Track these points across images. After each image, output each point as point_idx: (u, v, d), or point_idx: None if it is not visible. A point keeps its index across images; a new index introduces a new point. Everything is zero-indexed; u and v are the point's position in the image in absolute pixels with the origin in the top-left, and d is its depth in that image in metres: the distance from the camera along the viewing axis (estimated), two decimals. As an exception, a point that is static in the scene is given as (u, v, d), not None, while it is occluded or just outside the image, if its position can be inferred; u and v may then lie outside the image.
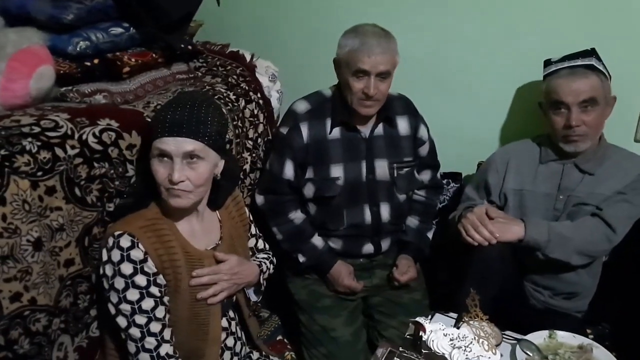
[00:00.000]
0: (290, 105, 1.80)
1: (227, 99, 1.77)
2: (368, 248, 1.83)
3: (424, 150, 1.87)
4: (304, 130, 1.72)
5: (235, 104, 1.80)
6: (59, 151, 1.21)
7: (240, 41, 2.16)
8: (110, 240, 1.21)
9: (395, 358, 1.28)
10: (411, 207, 1.91)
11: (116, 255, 1.20)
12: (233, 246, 1.46)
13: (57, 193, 1.21)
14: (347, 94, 1.68)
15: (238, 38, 2.24)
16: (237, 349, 1.46)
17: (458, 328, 1.36)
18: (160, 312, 1.23)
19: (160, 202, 1.30)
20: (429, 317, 1.49)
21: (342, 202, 1.76)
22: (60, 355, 1.27)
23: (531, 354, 1.36)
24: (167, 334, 1.24)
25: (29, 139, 1.17)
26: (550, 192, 1.68)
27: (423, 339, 1.30)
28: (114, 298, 1.21)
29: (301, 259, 1.80)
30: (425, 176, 1.92)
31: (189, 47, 1.87)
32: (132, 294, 1.20)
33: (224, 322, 1.42)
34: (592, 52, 1.65)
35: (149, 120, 1.40)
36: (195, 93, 1.46)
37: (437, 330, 1.31)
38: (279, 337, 1.87)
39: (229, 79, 1.88)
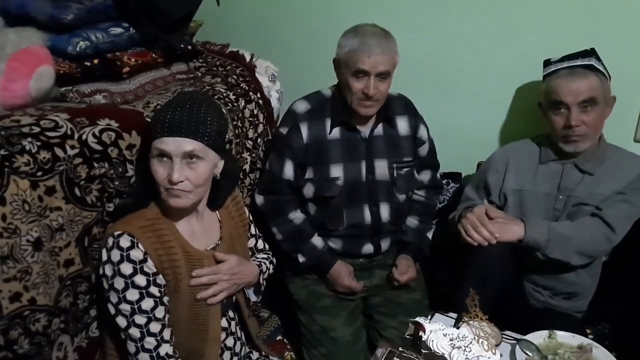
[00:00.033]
0: (290, 105, 1.80)
1: (226, 99, 1.77)
2: (368, 248, 1.83)
3: (423, 150, 1.87)
4: (304, 130, 1.72)
5: (235, 104, 1.80)
6: (58, 151, 1.21)
7: (240, 41, 2.17)
8: (110, 240, 1.21)
9: (395, 358, 1.28)
10: (411, 207, 1.91)
11: (116, 255, 1.20)
12: (233, 246, 1.46)
13: (57, 193, 1.21)
14: (347, 94, 1.68)
15: (238, 38, 2.24)
16: (237, 349, 1.47)
17: (458, 328, 1.36)
18: (159, 312, 1.23)
19: (160, 202, 1.30)
20: (429, 317, 1.49)
21: (341, 202, 1.76)
22: (60, 355, 1.27)
23: (531, 354, 1.36)
24: (166, 334, 1.24)
25: (29, 139, 1.17)
26: (550, 192, 1.68)
27: (423, 339, 1.30)
28: (113, 298, 1.21)
29: (301, 259, 1.80)
30: (425, 176, 1.92)
31: (189, 47, 1.87)
32: (132, 294, 1.20)
33: (224, 322, 1.42)
34: (591, 52, 1.65)
35: (149, 120, 1.40)
36: (195, 93, 1.46)
37: (437, 330, 1.31)
38: (279, 337, 1.87)
39: (229, 79, 1.88)
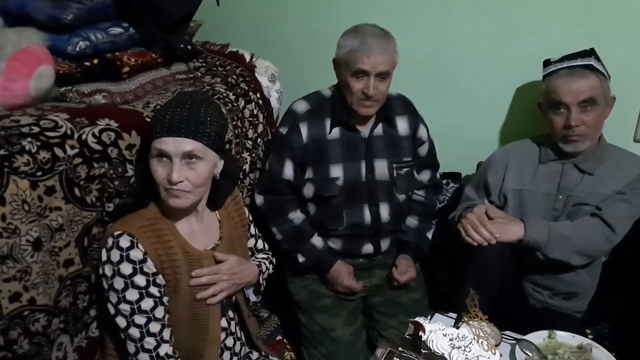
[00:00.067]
0: (290, 106, 1.80)
1: (226, 99, 1.77)
2: (367, 248, 1.83)
3: (423, 150, 1.87)
4: (304, 130, 1.72)
5: (235, 104, 1.80)
6: (58, 151, 1.21)
7: (239, 41, 2.17)
8: (110, 241, 1.21)
9: (394, 358, 1.28)
10: (411, 207, 1.91)
11: (115, 255, 1.20)
12: (232, 246, 1.46)
13: (57, 193, 1.21)
14: (347, 94, 1.68)
15: (238, 38, 2.24)
16: (237, 349, 1.47)
17: (457, 328, 1.36)
18: (159, 312, 1.23)
19: (160, 202, 1.30)
20: (429, 317, 1.49)
21: (341, 202, 1.76)
22: (60, 355, 1.27)
23: (530, 354, 1.36)
24: (166, 334, 1.24)
25: (29, 139, 1.17)
26: (549, 192, 1.68)
27: (422, 339, 1.30)
28: (113, 298, 1.21)
29: (301, 259, 1.80)
30: (424, 176, 1.92)
31: (189, 47, 1.87)
32: (132, 294, 1.20)
33: (224, 322, 1.42)
34: (591, 52, 1.65)
35: (149, 120, 1.40)
36: (195, 93, 1.46)
37: (437, 330, 1.31)
38: (279, 337, 1.87)
39: (229, 79, 1.88)
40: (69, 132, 1.25)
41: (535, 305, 1.72)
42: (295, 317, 1.88)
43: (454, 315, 1.51)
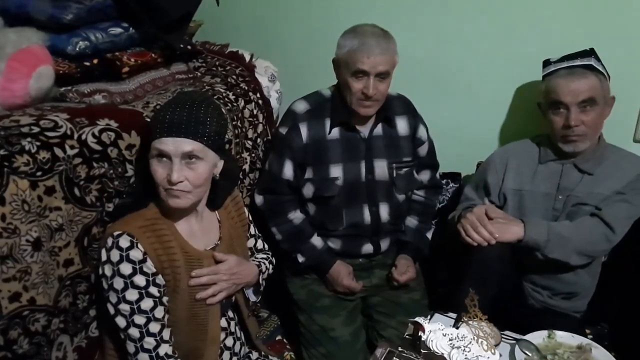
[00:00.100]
0: (290, 106, 1.80)
1: (226, 99, 1.77)
2: (367, 248, 1.83)
3: (423, 150, 1.87)
4: (303, 130, 1.72)
5: (235, 104, 1.80)
6: (58, 151, 1.21)
7: (239, 41, 2.17)
8: (110, 241, 1.21)
9: (394, 358, 1.28)
10: (410, 207, 1.91)
11: (115, 255, 1.20)
12: (232, 246, 1.46)
13: (57, 193, 1.21)
14: (347, 94, 1.68)
15: (237, 38, 2.24)
16: (237, 349, 1.47)
17: (457, 328, 1.36)
18: (159, 312, 1.23)
19: (160, 202, 1.30)
20: (428, 317, 1.49)
21: (341, 202, 1.76)
22: (60, 355, 1.27)
23: (530, 354, 1.36)
24: (166, 334, 1.24)
25: (28, 139, 1.17)
26: (549, 192, 1.68)
27: (422, 339, 1.30)
28: (113, 298, 1.21)
29: (300, 259, 1.80)
30: (424, 176, 1.92)
31: (189, 47, 1.87)
32: (131, 294, 1.20)
33: (223, 322, 1.42)
34: (591, 52, 1.65)
35: (148, 120, 1.40)
36: (195, 93, 1.46)
37: (436, 330, 1.31)
38: (278, 337, 1.87)
39: (228, 79, 1.88)
40: (68, 132, 1.25)
41: (534, 305, 1.72)
42: (294, 317, 1.88)
43: (454, 315, 1.51)
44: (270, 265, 1.60)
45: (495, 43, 1.97)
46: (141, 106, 1.51)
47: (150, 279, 1.22)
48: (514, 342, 1.42)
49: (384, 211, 1.79)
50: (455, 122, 2.07)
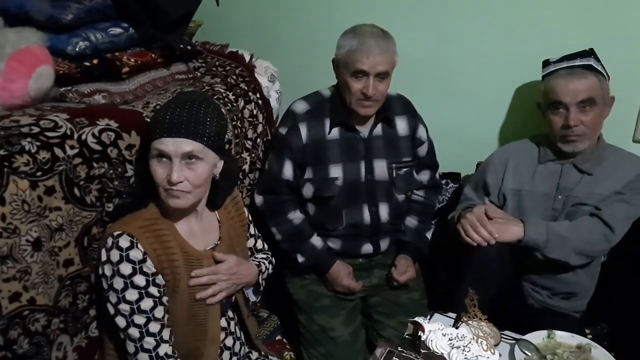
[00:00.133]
0: (289, 106, 1.80)
1: (226, 99, 1.77)
2: (367, 248, 1.83)
3: (422, 150, 1.87)
4: (303, 130, 1.72)
5: (235, 104, 1.80)
6: (58, 151, 1.21)
7: (239, 41, 2.17)
8: (109, 241, 1.21)
9: (394, 358, 1.28)
10: (410, 207, 1.91)
11: (115, 255, 1.20)
12: (232, 246, 1.46)
13: (57, 193, 1.21)
14: (346, 94, 1.68)
15: (237, 38, 2.24)
16: (236, 348, 1.47)
17: (457, 328, 1.36)
18: (159, 312, 1.23)
19: (159, 202, 1.30)
20: (428, 317, 1.49)
21: (340, 202, 1.76)
22: (60, 355, 1.27)
23: (530, 354, 1.36)
24: (166, 334, 1.24)
25: (28, 139, 1.17)
26: (548, 192, 1.69)
27: (422, 338, 1.30)
28: (113, 298, 1.21)
29: (300, 259, 1.80)
30: (424, 176, 1.92)
31: (188, 47, 1.87)
32: (131, 294, 1.20)
33: (223, 322, 1.42)
34: (590, 53, 1.65)
35: (148, 120, 1.40)
36: (194, 93, 1.46)
37: (436, 330, 1.31)
38: (278, 337, 1.87)
39: (228, 79, 1.88)
40: (68, 132, 1.25)
41: (534, 305, 1.72)
42: (294, 317, 1.88)
43: (453, 315, 1.51)
44: (270, 265, 1.60)
45: (495, 43, 1.97)
46: (141, 106, 1.51)
47: (150, 279, 1.22)
48: (513, 342, 1.42)
49: (384, 211, 1.79)
50: (455, 122, 2.07)
